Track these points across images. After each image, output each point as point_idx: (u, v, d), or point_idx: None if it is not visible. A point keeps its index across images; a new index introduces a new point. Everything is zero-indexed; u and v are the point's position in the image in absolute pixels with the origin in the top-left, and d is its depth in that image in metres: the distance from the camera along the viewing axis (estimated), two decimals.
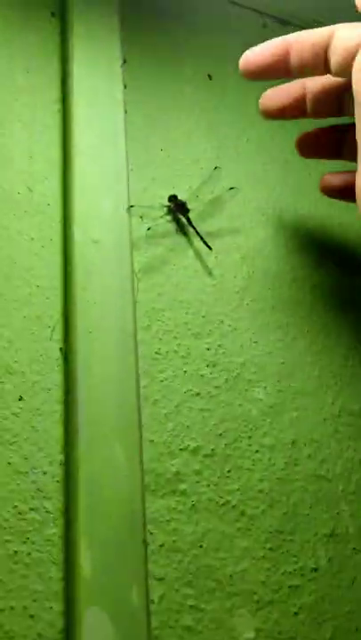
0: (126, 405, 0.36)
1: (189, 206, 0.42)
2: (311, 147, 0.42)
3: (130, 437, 0.35)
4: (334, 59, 0.34)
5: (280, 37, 0.36)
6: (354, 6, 0.56)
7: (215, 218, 0.45)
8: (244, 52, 0.51)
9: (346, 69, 0.34)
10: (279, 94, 0.39)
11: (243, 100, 0.49)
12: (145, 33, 0.47)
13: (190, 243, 0.43)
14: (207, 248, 0.42)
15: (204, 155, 0.46)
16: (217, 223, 0.44)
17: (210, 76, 0.49)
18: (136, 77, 0.45)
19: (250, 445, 0.40)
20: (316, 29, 0.35)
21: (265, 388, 0.42)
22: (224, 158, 0.47)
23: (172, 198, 0.42)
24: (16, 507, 0.33)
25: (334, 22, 0.56)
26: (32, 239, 0.38)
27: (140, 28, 0.46)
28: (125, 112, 0.43)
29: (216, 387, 0.41)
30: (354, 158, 0.36)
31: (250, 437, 0.40)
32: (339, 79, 0.37)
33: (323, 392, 0.44)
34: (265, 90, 0.50)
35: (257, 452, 0.40)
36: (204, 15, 0.50)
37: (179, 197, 0.42)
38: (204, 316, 0.42)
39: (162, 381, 0.39)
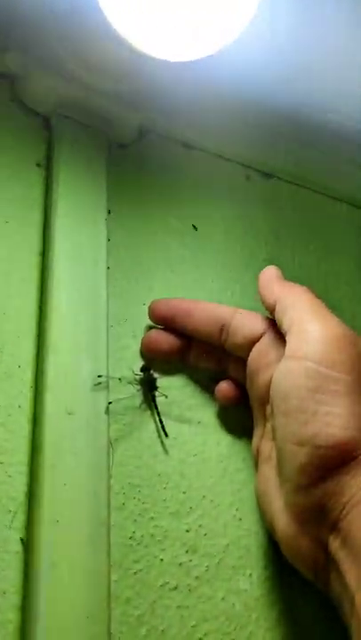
0: (95, 610, 0.31)
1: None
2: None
3: None
4: (233, 340, 0.38)
5: (189, 300, 0.41)
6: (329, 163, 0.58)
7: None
8: (228, 203, 0.51)
9: (238, 350, 0.38)
10: (161, 340, 0.40)
11: (228, 251, 0.48)
12: (131, 184, 0.46)
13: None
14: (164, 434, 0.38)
15: None
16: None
17: (195, 227, 0.48)
18: (121, 229, 0.44)
19: None
20: (219, 306, 0.40)
21: (250, 575, 0.37)
22: None
23: (145, 369, 0.39)
24: None
25: (311, 176, 0.57)
26: None
27: (125, 180, 0.46)
28: (108, 268, 0.41)
29: (196, 577, 0.36)
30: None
31: None
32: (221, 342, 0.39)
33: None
34: (252, 242, 0.50)
35: None
36: (189, 167, 0.50)
37: (152, 371, 0.39)
38: (184, 492, 0.38)
39: (135, 574, 0.34)
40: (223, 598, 0.36)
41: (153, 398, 0.39)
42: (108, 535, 0.33)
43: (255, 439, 0.37)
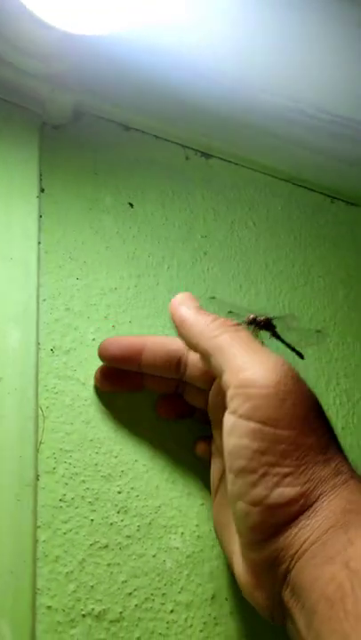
0: (19, 567, 0.32)
1: None
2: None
3: (20, 607, 0.31)
4: (191, 373, 0.39)
5: (139, 336, 0.41)
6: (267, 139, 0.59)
7: None
8: (167, 182, 0.52)
9: (198, 382, 0.39)
10: (111, 379, 0.40)
11: (164, 227, 0.50)
12: (66, 164, 0.47)
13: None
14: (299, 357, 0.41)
15: (123, 283, 0.45)
16: None
17: (131, 205, 0.49)
18: (54, 207, 0.45)
19: (163, 604, 0.36)
20: (172, 339, 0.39)
21: (182, 534, 0.39)
22: (143, 286, 0.46)
23: (253, 321, 0.40)
24: None
25: (254, 158, 0.58)
26: None
27: (60, 160, 0.47)
28: (39, 242, 0.42)
29: (127, 536, 0.37)
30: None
31: (164, 595, 0.36)
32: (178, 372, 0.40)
33: None
34: (190, 219, 0.51)
35: (172, 611, 0.36)
36: (127, 148, 0.51)
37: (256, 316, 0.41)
38: (116, 456, 0.39)
39: (65, 534, 0.35)
40: (154, 556, 0.37)
41: (276, 334, 0.41)
42: (34, 496, 0.34)
43: (215, 467, 0.38)
